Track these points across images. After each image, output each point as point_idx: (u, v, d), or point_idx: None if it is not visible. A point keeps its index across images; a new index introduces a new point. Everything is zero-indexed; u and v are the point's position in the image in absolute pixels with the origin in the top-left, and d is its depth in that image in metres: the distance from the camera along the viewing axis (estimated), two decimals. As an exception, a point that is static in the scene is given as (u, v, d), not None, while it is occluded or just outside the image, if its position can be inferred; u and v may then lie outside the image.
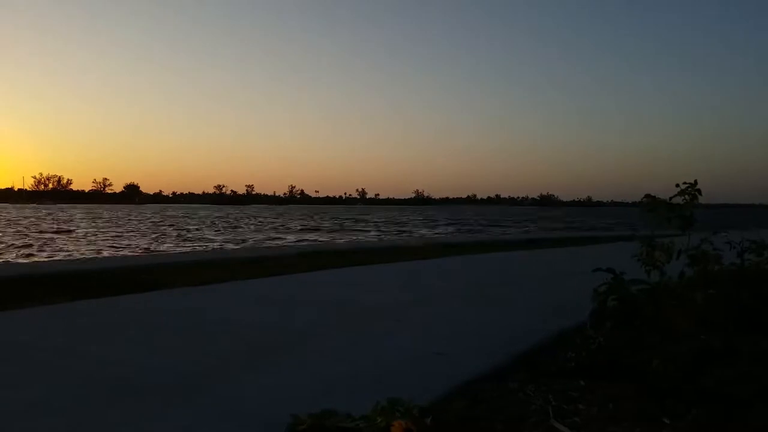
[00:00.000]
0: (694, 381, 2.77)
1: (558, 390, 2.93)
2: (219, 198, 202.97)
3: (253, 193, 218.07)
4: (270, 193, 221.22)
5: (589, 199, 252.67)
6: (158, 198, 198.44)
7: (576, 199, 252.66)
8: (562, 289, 6.79)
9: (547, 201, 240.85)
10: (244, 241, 27.31)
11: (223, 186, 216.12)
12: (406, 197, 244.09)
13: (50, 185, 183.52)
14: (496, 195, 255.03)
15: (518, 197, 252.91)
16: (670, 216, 3.53)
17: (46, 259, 17.19)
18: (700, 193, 3.47)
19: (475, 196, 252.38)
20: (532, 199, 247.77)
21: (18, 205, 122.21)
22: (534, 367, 3.39)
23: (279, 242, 26.39)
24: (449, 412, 2.65)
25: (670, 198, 3.53)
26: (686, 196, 3.48)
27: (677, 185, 3.48)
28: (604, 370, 3.10)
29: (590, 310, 3.64)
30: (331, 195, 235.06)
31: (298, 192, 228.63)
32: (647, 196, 3.55)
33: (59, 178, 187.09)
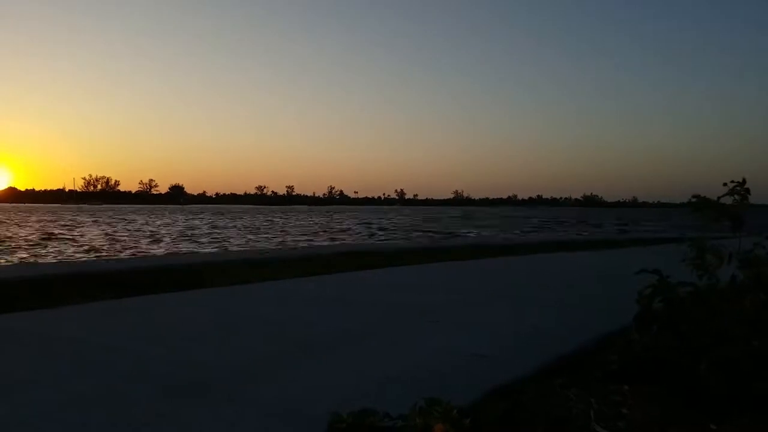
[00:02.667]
0: (744, 387, 2.68)
1: (601, 393, 2.88)
2: (260, 199, 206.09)
3: (294, 193, 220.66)
4: (309, 193, 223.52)
5: (635, 199, 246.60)
6: (202, 199, 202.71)
7: (621, 200, 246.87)
8: (611, 291, 6.66)
9: (590, 201, 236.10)
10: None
11: (264, 187, 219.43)
12: (445, 198, 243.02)
13: (99, 186, 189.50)
14: (538, 195, 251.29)
15: (560, 197, 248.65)
16: (719, 217, 3.41)
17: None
18: (748, 193, 3.34)
19: (515, 196, 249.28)
20: (575, 199, 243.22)
21: (75, 206, 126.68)
22: (576, 369, 3.33)
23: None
24: (489, 414, 2.63)
25: (719, 198, 3.41)
26: (735, 197, 3.36)
27: (725, 184, 3.36)
28: (649, 374, 3.02)
29: (635, 312, 3.55)
30: (369, 196, 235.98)
31: (338, 193, 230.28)
32: (695, 196, 3.44)
33: (107, 179, 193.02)
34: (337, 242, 25.88)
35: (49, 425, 2.56)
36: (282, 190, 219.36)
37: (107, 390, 3.02)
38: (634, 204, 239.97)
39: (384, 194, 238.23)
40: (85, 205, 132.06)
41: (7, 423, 2.58)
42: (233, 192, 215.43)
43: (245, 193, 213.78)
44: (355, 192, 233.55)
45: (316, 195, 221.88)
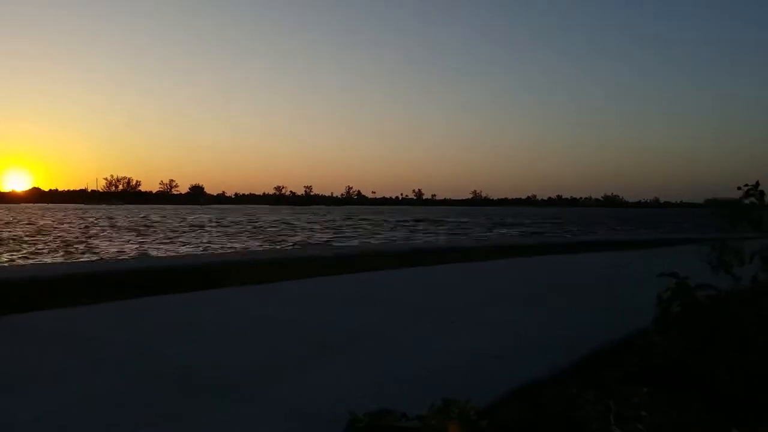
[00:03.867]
0: (764, 391, 2.65)
1: (620, 396, 2.86)
2: (279, 199, 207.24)
3: (312, 194, 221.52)
4: (327, 193, 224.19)
5: (657, 200, 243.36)
6: (221, 199, 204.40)
7: (642, 200, 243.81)
8: (630, 294, 6.60)
9: (611, 202, 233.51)
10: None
11: (283, 187, 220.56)
12: (463, 198, 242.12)
13: (120, 186, 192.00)
14: (558, 195, 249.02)
15: (581, 198, 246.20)
16: (738, 218, 3.38)
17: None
18: (762, 195, 3.34)
19: (534, 196, 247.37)
20: (596, 199, 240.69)
21: (98, 206, 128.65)
22: (595, 372, 3.32)
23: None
24: (507, 416, 2.63)
25: (739, 200, 3.39)
26: (753, 199, 3.34)
27: (739, 188, 3.36)
28: (669, 377, 3.00)
29: (654, 315, 3.52)
30: (387, 196, 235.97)
31: (355, 193, 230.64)
32: (711, 200, 3.44)
33: (129, 179, 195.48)
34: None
35: (70, 422, 2.61)
36: (300, 191, 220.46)
37: (128, 388, 3.08)
38: (656, 204, 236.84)
39: (402, 194, 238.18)
40: (104, 206, 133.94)
41: (30, 419, 2.64)
42: (252, 192, 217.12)
43: (264, 193, 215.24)
44: (372, 192, 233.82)
45: (334, 195, 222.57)
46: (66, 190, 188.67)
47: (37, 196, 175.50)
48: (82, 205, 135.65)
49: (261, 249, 21.63)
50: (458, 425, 2.17)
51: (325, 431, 2.47)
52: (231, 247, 22.34)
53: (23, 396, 2.94)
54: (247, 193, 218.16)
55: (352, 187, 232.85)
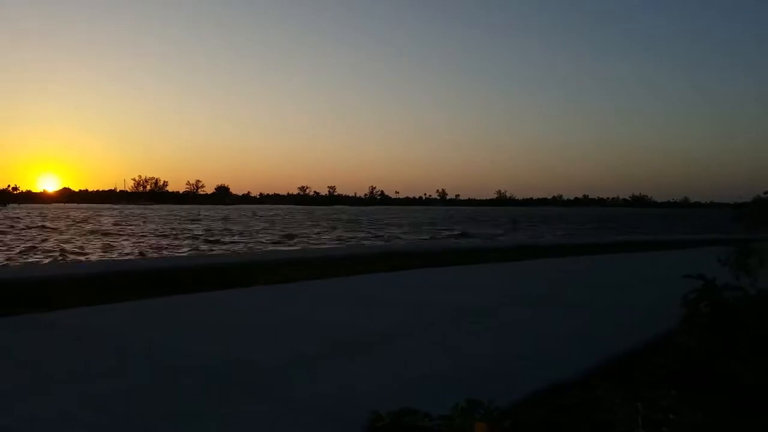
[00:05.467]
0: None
1: (647, 398, 2.81)
2: (303, 199, 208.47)
3: (335, 194, 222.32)
4: (351, 194, 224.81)
5: (686, 200, 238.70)
6: (247, 199, 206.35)
7: (671, 200, 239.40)
8: (651, 295, 6.49)
9: (639, 202, 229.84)
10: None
11: (307, 187, 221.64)
12: (488, 198, 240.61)
13: (148, 187, 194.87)
14: (584, 195, 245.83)
15: (607, 198, 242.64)
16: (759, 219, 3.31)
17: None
18: None
19: (560, 196, 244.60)
20: (623, 199, 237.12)
21: (126, 206, 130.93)
22: (621, 374, 3.26)
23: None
24: (531, 417, 2.60)
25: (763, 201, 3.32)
26: None
27: (765, 192, 3.30)
28: (696, 380, 2.94)
29: (681, 317, 3.46)
30: (411, 196, 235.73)
31: (379, 193, 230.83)
32: (738, 204, 3.38)
33: (156, 180, 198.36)
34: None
35: (94, 418, 2.66)
36: (324, 191, 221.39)
37: (154, 385, 3.12)
38: (685, 204, 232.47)
39: (425, 194, 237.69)
40: (133, 206, 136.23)
41: (57, 415, 2.69)
42: (276, 192, 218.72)
43: (288, 193, 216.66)
44: (396, 192, 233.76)
45: (358, 195, 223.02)
46: (95, 190, 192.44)
47: (67, 196, 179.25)
48: (110, 205, 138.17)
49: (286, 249, 21.78)
50: (483, 425, 2.15)
51: (348, 429, 2.47)
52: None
53: (47, 394, 3.00)
54: (271, 193, 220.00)
55: (375, 187, 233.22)
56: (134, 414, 2.70)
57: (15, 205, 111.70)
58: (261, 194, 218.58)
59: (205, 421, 2.63)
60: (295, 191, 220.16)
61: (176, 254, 18.87)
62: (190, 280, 7.37)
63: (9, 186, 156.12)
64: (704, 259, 4.35)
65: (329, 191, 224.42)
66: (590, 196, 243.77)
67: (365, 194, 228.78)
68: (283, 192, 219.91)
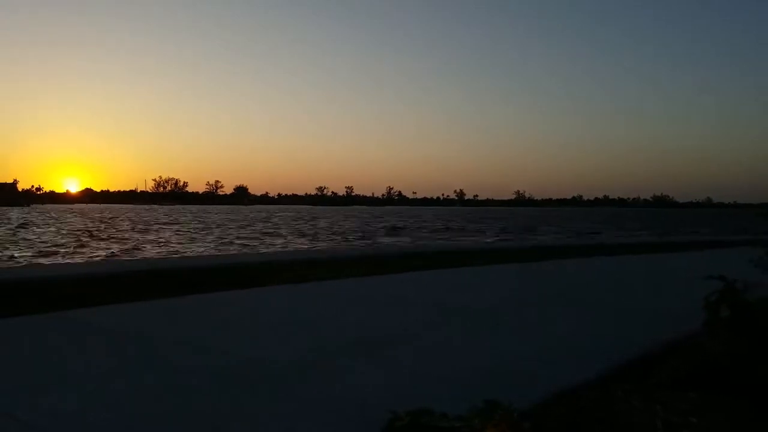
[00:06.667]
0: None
1: (667, 401, 2.79)
2: (320, 199, 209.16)
3: (353, 194, 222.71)
4: (368, 194, 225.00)
5: (709, 200, 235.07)
6: (265, 199, 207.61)
7: (694, 201, 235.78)
8: (672, 296, 6.41)
9: (661, 202, 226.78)
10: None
11: (324, 187, 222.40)
12: (506, 198, 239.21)
13: (168, 187, 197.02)
14: (605, 196, 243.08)
15: (628, 198, 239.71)
16: None
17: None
18: None
19: (580, 197, 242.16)
20: (644, 200, 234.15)
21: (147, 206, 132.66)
22: (640, 376, 3.24)
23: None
24: (550, 419, 2.60)
25: None
26: None
27: None
28: (718, 383, 2.90)
29: (703, 318, 3.42)
30: (428, 196, 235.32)
31: (396, 193, 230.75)
32: (762, 204, 3.31)
33: (176, 180, 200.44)
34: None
35: (115, 415, 2.70)
36: (341, 191, 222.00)
37: (171, 384, 3.16)
38: (708, 204, 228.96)
39: (443, 194, 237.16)
40: (154, 206, 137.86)
41: (79, 414, 2.74)
42: (294, 192, 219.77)
43: (306, 193, 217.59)
44: (413, 192, 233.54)
45: (375, 195, 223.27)
46: (117, 191, 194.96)
47: (89, 196, 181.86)
48: (131, 206, 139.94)
49: (305, 248, 21.87)
50: (501, 426, 2.15)
51: (366, 429, 2.49)
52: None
53: (67, 391, 3.05)
54: (289, 193, 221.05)
55: (392, 188, 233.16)
56: (152, 412, 2.73)
57: (37, 206, 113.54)
58: (279, 194, 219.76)
59: (222, 418, 2.66)
60: (313, 191, 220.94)
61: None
62: (208, 279, 7.44)
63: (33, 186, 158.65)
64: (736, 258, 4.29)
65: (347, 191, 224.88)
66: (610, 197, 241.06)
67: (383, 194, 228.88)
68: (300, 192, 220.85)
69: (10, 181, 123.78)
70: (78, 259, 17.10)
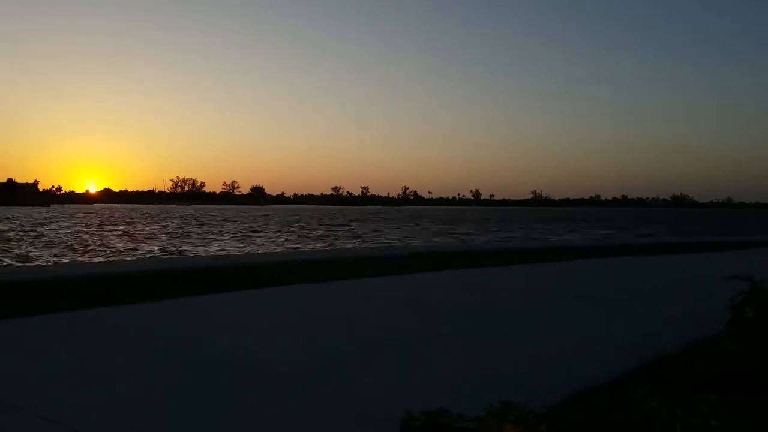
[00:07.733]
0: None
1: (686, 403, 2.74)
2: (336, 199, 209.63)
3: (368, 194, 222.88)
4: (384, 194, 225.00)
5: (729, 200, 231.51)
6: (281, 199, 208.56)
7: (714, 200, 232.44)
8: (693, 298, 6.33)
9: (680, 202, 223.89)
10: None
11: (340, 188, 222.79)
12: (523, 198, 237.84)
13: (186, 187, 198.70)
14: (623, 196, 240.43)
15: (647, 198, 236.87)
16: None
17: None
18: None
19: (598, 197, 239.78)
20: (663, 200, 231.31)
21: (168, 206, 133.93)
22: (659, 377, 3.19)
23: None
24: (566, 421, 2.57)
25: None
26: None
27: None
28: (741, 385, 2.85)
29: (727, 320, 3.37)
30: (444, 196, 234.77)
31: (412, 193, 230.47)
32: None
33: (194, 180, 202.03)
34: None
35: (134, 412, 2.73)
36: (357, 191, 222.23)
37: (189, 382, 3.18)
38: (728, 204, 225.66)
39: (459, 194, 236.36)
40: (173, 206, 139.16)
41: (98, 413, 2.77)
42: (310, 192, 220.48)
43: (321, 193, 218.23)
44: (429, 192, 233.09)
45: (390, 195, 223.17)
46: (135, 191, 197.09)
47: (108, 196, 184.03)
48: (150, 206, 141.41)
49: (319, 249, 21.93)
50: (517, 428, 2.13)
51: (381, 429, 2.48)
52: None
53: (96, 388, 3.09)
54: (305, 193, 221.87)
55: (408, 188, 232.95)
56: (176, 409, 2.76)
57: (58, 206, 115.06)
58: (295, 194, 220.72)
59: (239, 415, 2.67)
60: (329, 191, 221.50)
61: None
62: (226, 279, 7.48)
63: (53, 187, 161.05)
64: (761, 260, 4.21)
65: (362, 191, 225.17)
66: (629, 197, 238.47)
67: (398, 194, 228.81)
68: (316, 192, 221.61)
69: (31, 181, 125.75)
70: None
